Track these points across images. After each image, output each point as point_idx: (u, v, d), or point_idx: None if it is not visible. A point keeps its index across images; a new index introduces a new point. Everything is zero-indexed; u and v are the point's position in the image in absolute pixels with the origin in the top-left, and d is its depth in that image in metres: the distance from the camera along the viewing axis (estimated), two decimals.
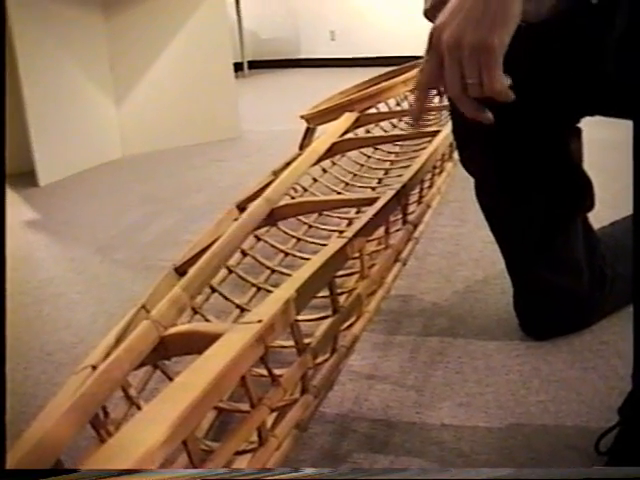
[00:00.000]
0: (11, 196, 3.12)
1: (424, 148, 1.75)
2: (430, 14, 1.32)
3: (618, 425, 0.98)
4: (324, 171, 2.39)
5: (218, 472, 0.81)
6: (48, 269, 2.17)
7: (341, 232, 1.23)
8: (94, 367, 0.95)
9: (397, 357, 1.39)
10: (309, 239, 1.93)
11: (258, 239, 1.81)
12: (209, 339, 0.88)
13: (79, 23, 3.50)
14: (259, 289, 1.64)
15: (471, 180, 1.34)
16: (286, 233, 1.92)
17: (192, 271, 1.21)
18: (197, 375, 0.80)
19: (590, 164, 1.29)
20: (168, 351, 0.98)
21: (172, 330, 0.98)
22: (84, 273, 2.08)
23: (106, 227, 2.51)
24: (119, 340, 1.03)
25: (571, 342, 1.37)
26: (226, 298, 1.53)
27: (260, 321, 0.88)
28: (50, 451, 0.79)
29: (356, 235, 1.09)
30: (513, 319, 1.43)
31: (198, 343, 0.90)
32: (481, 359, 1.34)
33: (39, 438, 0.78)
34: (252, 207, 1.42)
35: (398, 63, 3.00)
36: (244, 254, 1.71)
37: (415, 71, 2.48)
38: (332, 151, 1.89)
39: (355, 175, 2.50)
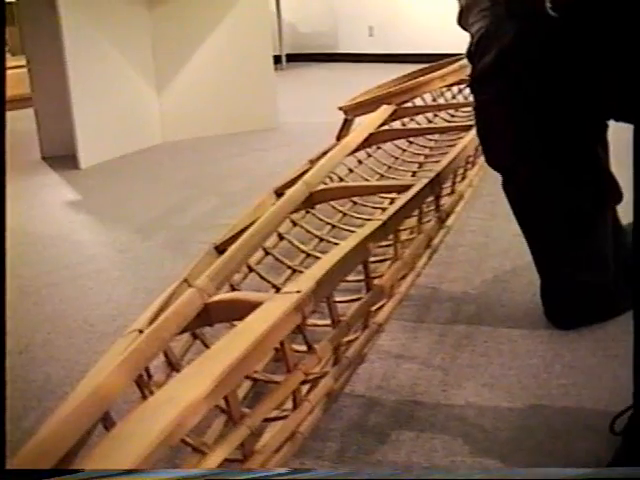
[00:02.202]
0: (53, 178, 3.22)
1: (457, 144, 1.80)
2: (460, 22, 1.40)
3: (632, 407, 1.02)
4: (359, 162, 2.44)
5: (225, 472, 0.86)
6: (89, 247, 2.25)
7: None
8: (140, 331, 1.02)
9: (425, 339, 1.44)
10: (343, 226, 1.99)
11: (294, 224, 1.87)
12: (250, 307, 0.94)
13: (123, 12, 3.59)
14: (294, 271, 1.69)
15: None
16: (321, 220, 1.98)
17: (232, 249, 1.27)
18: (239, 338, 0.86)
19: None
20: (211, 317, 1.04)
21: (215, 298, 1.05)
22: (124, 252, 2.15)
23: (146, 209, 2.59)
24: (162, 308, 1.10)
25: (595, 331, 1.41)
26: (262, 277, 1.59)
27: (299, 291, 0.94)
28: (102, 401, 0.85)
29: (391, 218, 1.14)
30: (539, 308, 1.48)
31: (240, 310, 0.96)
32: (506, 344, 1.39)
33: (93, 388, 0.84)
34: (291, 190, 1.48)
35: (435, 60, 3.03)
36: (281, 237, 1.77)
37: (452, 67, 2.52)
38: (369, 141, 1.94)
39: (390, 167, 2.55)
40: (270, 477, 0.86)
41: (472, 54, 1.33)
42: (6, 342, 0.89)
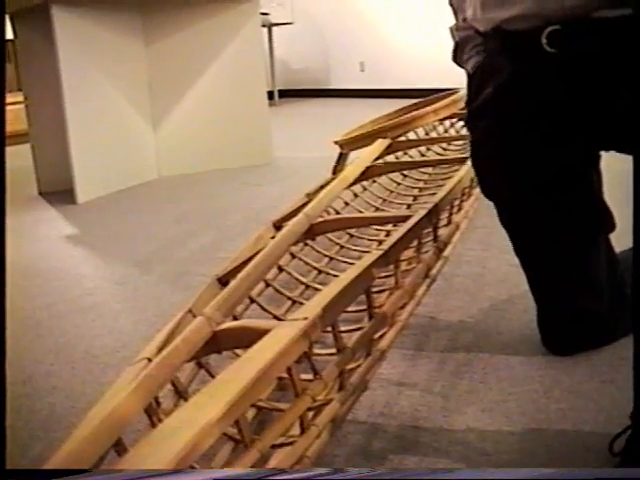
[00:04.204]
0: (50, 213, 3.25)
1: (451, 177, 1.84)
2: (455, 60, 1.46)
3: (629, 428, 1.05)
4: (355, 196, 2.48)
5: (225, 473, 0.88)
6: (89, 280, 2.27)
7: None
8: (149, 359, 1.04)
9: (425, 367, 1.47)
10: (341, 258, 2.02)
11: (293, 256, 1.90)
12: (258, 334, 0.97)
13: (120, 48, 3.65)
14: (294, 302, 1.72)
15: None
16: (319, 252, 2.02)
17: (236, 279, 1.29)
18: (250, 363, 0.88)
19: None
20: (220, 345, 1.07)
21: (223, 325, 1.07)
22: (124, 285, 2.17)
23: (144, 243, 2.61)
24: (169, 338, 1.12)
25: (590, 358, 1.44)
26: (264, 309, 1.62)
27: (306, 318, 0.96)
28: (115, 427, 0.87)
29: (393, 246, 1.18)
30: (536, 335, 1.51)
31: (248, 337, 0.99)
32: (504, 370, 1.42)
33: (107, 414, 0.86)
34: (292, 222, 1.51)
35: (426, 95, 3.08)
36: (280, 270, 1.80)
37: (444, 102, 2.57)
38: (366, 174, 1.98)
39: (384, 200, 2.59)
40: (311, 477, 0.88)
41: (468, 89, 1.37)
42: (5, 342, 0.91)
